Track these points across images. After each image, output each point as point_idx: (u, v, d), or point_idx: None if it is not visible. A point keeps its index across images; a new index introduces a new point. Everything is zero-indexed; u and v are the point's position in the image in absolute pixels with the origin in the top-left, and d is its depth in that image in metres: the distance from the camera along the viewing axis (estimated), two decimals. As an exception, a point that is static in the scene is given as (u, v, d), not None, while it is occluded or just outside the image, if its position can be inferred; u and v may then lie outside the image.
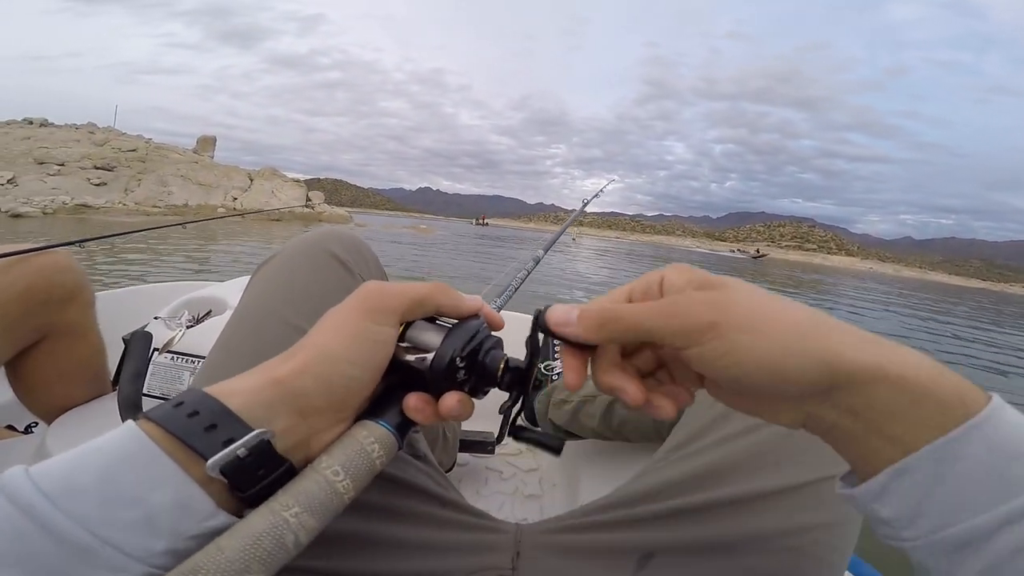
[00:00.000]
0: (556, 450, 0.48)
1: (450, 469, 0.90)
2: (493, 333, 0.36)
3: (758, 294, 0.28)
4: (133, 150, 28.03)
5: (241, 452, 0.25)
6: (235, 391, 0.27)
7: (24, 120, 29.75)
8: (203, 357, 0.90)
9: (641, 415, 0.71)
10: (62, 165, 24.17)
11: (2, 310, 0.78)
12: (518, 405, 0.35)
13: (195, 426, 0.25)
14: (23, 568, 0.20)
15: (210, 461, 0.24)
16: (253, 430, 0.25)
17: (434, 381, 0.31)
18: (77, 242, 1.20)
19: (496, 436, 0.92)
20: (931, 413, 0.23)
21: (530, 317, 0.32)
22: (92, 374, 0.98)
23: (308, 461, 0.28)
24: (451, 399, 0.31)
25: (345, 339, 0.30)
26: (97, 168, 25.10)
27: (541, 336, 0.32)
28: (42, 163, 23.79)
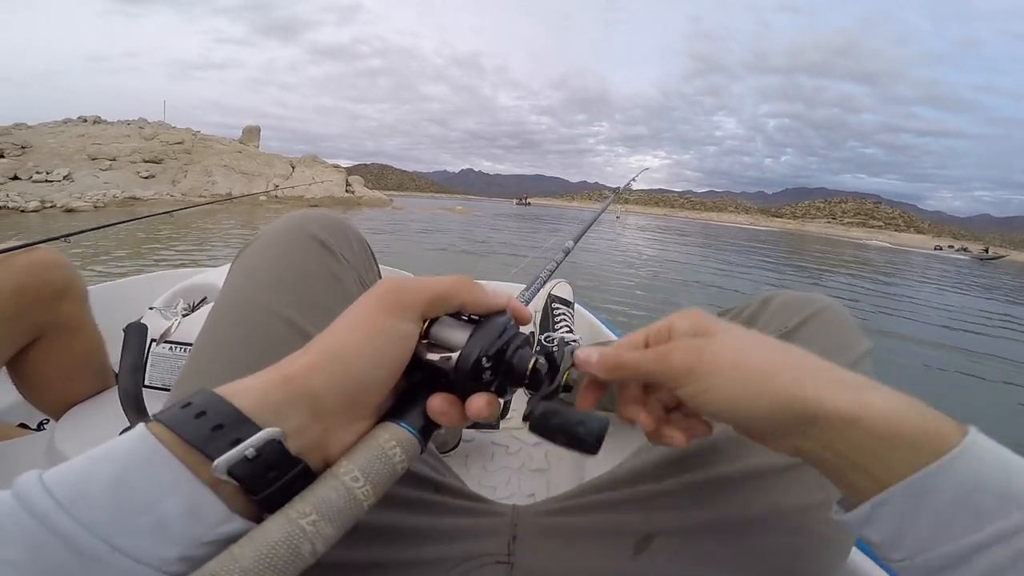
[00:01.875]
0: (592, 446, 0.31)
1: (455, 447, 0.90)
2: (521, 329, 0.34)
3: (742, 341, 0.31)
4: (180, 143, 28.59)
5: (250, 453, 0.24)
6: (244, 390, 0.26)
7: (79, 118, 30.92)
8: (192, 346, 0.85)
9: None
10: (113, 160, 24.87)
11: None
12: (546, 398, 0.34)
13: (202, 427, 0.24)
14: None
15: (216, 462, 0.23)
16: (262, 430, 0.25)
17: (459, 381, 0.30)
18: (62, 237, 1.22)
19: (500, 410, 0.81)
20: (902, 453, 0.25)
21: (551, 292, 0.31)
22: (93, 368, 0.98)
23: (326, 462, 0.27)
24: (480, 401, 0.30)
25: (361, 336, 0.29)
26: (146, 161, 25.71)
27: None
28: (95, 159, 24.53)
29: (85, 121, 30.57)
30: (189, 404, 0.25)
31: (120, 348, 0.92)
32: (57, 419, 0.93)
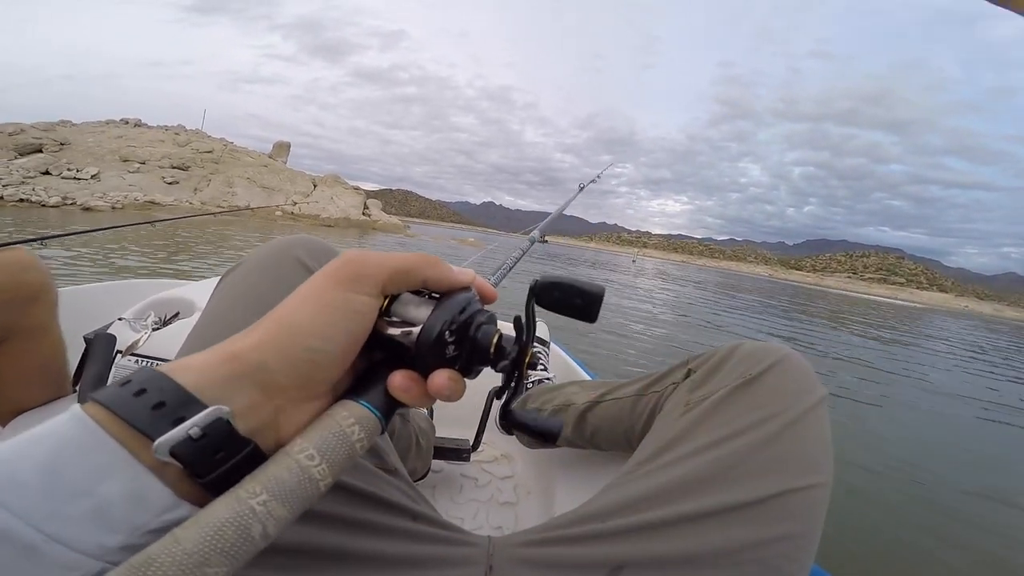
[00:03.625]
0: (552, 437, 0.35)
1: (424, 476, 0.88)
2: (487, 308, 0.33)
3: None
4: (209, 152, 29.39)
5: (194, 432, 0.22)
6: (189, 367, 0.25)
7: (121, 120, 32.12)
8: (169, 361, 0.84)
9: (612, 425, 0.74)
10: (143, 163, 25.58)
11: None
12: (511, 389, 0.33)
13: (142, 406, 0.23)
14: None
15: (157, 442, 0.22)
16: (207, 408, 0.23)
17: (421, 357, 0.29)
18: (38, 239, 1.30)
19: (471, 443, 0.92)
20: None
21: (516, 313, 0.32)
22: (52, 375, 0.94)
23: (278, 444, 0.26)
24: (441, 376, 0.29)
25: (314, 309, 0.28)
26: (173, 167, 26.38)
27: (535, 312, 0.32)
28: (126, 160, 25.28)
29: (126, 123, 31.74)
30: (129, 382, 0.24)
31: (79, 355, 0.88)
32: (4, 425, 0.89)
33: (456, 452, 0.93)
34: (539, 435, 0.34)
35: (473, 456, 0.96)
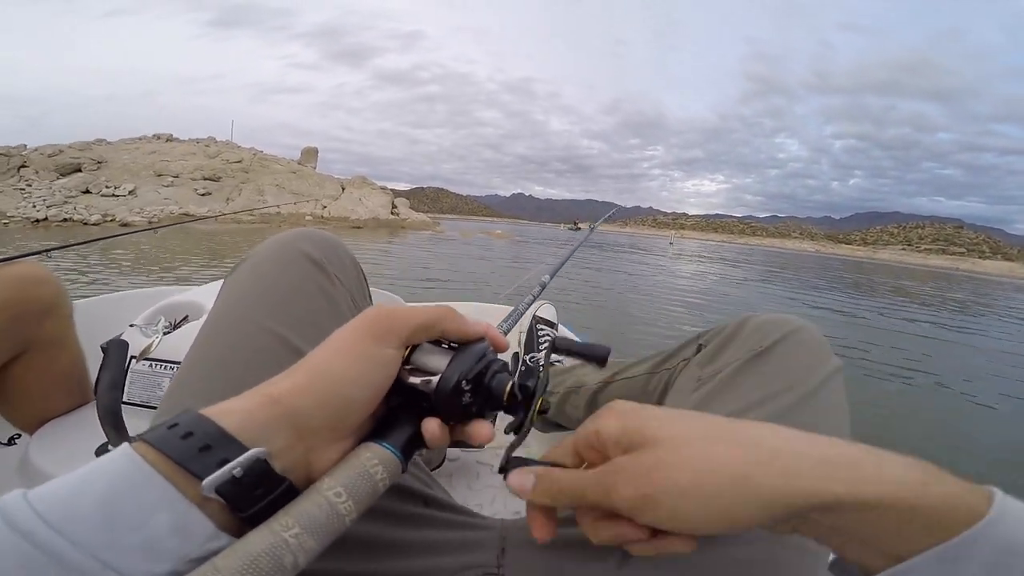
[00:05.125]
0: (601, 360, 0.35)
1: (440, 464, 0.89)
2: (499, 356, 0.36)
3: (692, 444, 0.27)
4: (238, 161, 29.70)
5: (237, 472, 0.25)
6: (231, 411, 0.27)
7: (154, 135, 32.91)
8: (179, 364, 0.97)
9: None
10: (176, 176, 26.03)
11: None
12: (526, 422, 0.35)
13: (189, 447, 0.25)
14: None
15: (205, 481, 0.24)
16: (248, 450, 0.25)
17: (439, 404, 0.31)
18: (43, 251, 1.26)
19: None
20: (920, 528, 0.23)
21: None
22: (73, 385, 0.98)
23: (308, 480, 0.28)
24: (484, 429, 0.32)
25: (347, 359, 0.30)
26: (205, 179, 26.74)
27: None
28: (160, 175, 25.77)
29: (159, 138, 32.49)
30: (176, 425, 0.26)
31: (99, 364, 0.92)
32: (31, 434, 0.93)
33: None
34: (588, 357, 0.35)
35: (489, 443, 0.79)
